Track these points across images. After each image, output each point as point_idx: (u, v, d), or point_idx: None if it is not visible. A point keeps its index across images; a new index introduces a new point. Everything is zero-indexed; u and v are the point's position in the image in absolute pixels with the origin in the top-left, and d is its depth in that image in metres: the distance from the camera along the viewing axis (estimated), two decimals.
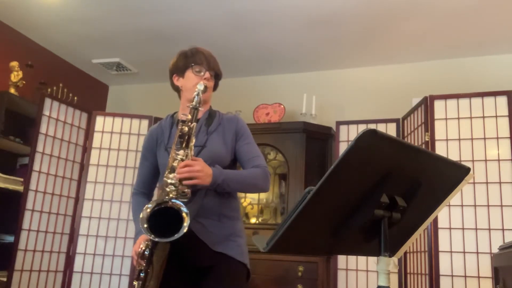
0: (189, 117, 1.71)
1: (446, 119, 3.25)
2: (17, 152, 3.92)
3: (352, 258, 3.50)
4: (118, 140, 3.81)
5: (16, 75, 3.78)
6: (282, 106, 4.16)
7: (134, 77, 4.85)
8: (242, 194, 3.85)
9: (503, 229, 2.96)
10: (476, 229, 3.02)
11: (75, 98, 4.04)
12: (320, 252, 2.12)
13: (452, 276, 3.00)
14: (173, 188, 1.64)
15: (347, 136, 3.75)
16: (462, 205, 3.08)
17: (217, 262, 1.75)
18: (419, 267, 3.23)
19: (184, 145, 1.68)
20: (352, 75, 4.33)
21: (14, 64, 3.79)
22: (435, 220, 3.10)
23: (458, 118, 3.23)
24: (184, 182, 1.63)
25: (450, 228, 3.08)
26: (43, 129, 3.48)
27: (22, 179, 3.51)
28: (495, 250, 2.73)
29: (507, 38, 3.66)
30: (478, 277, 2.94)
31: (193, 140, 1.71)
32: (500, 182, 3.03)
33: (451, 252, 3.04)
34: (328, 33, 3.74)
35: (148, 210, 1.60)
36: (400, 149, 1.08)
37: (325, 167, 3.87)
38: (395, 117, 3.74)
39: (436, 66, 4.07)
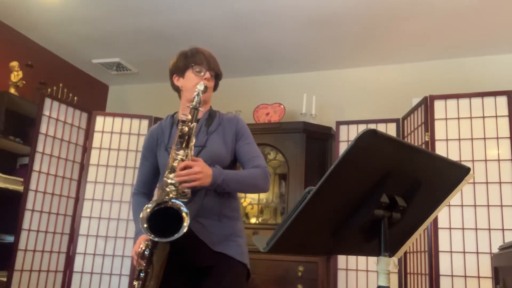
0: (189, 117, 1.71)
1: (446, 119, 3.25)
2: (17, 152, 3.92)
3: (352, 258, 3.50)
4: (118, 140, 3.80)
5: (16, 75, 3.79)
6: (282, 106, 4.16)
7: (134, 77, 4.85)
8: (242, 194, 3.85)
9: (503, 229, 2.96)
10: (476, 229, 3.02)
11: (75, 98, 4.04)
12: (320, 252, 2.12)
13: (452, 276, 3.00)
14: (173, 188, 1.65)
15: (347, 136, 3.75)
16: (462, 205, 3.08)
17: (217, 262, 1.75)
18: (419, 267, 3.23)
19: (184, 145, 1.68)
20: (352, 75, 4.33)
21: (14, 64, 3.79)
22: (435, 220, 3.10)
23: (458, 118, 3.23)
24: (184, 185, 1.63)
25: (450, 228, 3.08)
26: (43, 129, 3.48)
27: (22, 179, 3.51)
28: (495, 250, 2.73)
29: (507, 38, 3.66)
30: (478, 277, 2.94)
31: (193, 140, 1.71)
32: (500, 182, 3.03)
33: (451, 252, 3.04)
34: (328, 33, 3.74)
35: (148, 210, 1.60)
36: (400, 149, 1.08)
37: (325, 167, 3.87)
38: (395, 117, 3.74)
39: (436, 66, 4.07)
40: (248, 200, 3.96)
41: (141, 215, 1.60)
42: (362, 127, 3.69)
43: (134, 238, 1.90)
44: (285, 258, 3.37)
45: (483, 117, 3.17)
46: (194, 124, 1.71)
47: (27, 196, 3.35)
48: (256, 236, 2.57)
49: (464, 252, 3.01)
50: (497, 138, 3.10)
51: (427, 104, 3.33)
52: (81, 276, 3.54)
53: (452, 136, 3.21)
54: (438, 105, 3.30)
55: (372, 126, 3.60)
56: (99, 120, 3.82)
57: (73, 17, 3.72)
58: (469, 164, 1.87)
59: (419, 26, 3.56)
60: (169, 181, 1.65)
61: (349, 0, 3.28)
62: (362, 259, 3.47)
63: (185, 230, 1.56)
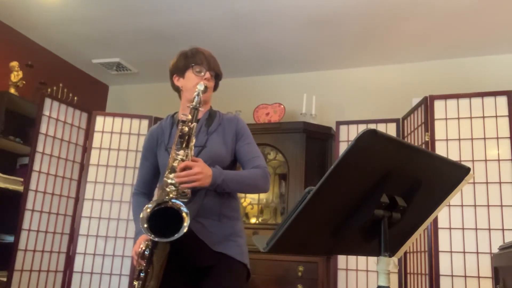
0: (189, 117, 1.71)
1: (446, 119, 3.25)
2: (17, 152, 3.92)
3: (352, 258, 3.50)
4: (118, 140, 3.80)
5: (16, 75, 3.79)
6: (282, 106, 4.16)
7: (134, 77, 4.85)
8: (242, 194, 3.85)
9: (503, 229, 2.96)
10: (476, 229, 3.02)
11: (75, 98, 4.04)
12: (320, 252, 2.12)
13: (452, 276, 3.00)
14: (173, 188, 1.65)
15: (347, 136, 3.75)
16: (462, 205, 3.08)
17: (217, 262, 1.75)
18: (419, 267, 3.23)
19: (184, 145, 1.68)
20: (352, 75, 4.33)
21: (14, 64, 3.80)
22: (435, 220, 3.10)
23: (458, 118, 3.23)
24: (183, 185, 1.64)
25: (450, 228, 3.08)
26: (43, 129, 3.48)
27: (22, 179, 3.51)
28: (495, 250, 2.73)
29: (507, 38, 3.66)
30: (478, 277, 2.94)
31: (193, 140, 1.71)
32: (500, 182, 3.03)
33: (451, 252, 3.04)
34: (328, 33, 3.74)
35: (148, 210, 1.60)
36: (400, 149, 1.08)
37: (325, 167, 3.87)
38: (395, 117, 3.74)
39: (436, 66, 4.07)
40: (248, 200, 3.96)
41: (141, 215, 1.60)
42: (362, 127, 3.69)
43: (134, 238, 1.90)
44: (285, 258, 3.37)
45: (483, 117, 3.17)
46: (194, 124, 1.71)
47: (27, 196, 3.35)
48: (256, 236, 2.57)
49: (464, 252, 3.01)
50: (497, 138, 3.10)
51: (427, 104, 3.33)
52: (81, 276, 3.54)
53: (452, 136, 3.21)
54: (438, 105, 3.30)
55: (372, 126, 3.60)
56: (99, 120, 3.82)
57: (73, 17, 3.72)
58: (469, 164, 1.87)
59: (419, 26, 3.56)
60: (169, 181, 1.66)
61: (349, 0, 3.28)
62: (362, 259, 3.47)
63: (185, 230, 1.56)
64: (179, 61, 1.93)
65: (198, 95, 1.74)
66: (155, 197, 2.03)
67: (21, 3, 3.58)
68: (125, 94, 5.09)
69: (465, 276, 2.97)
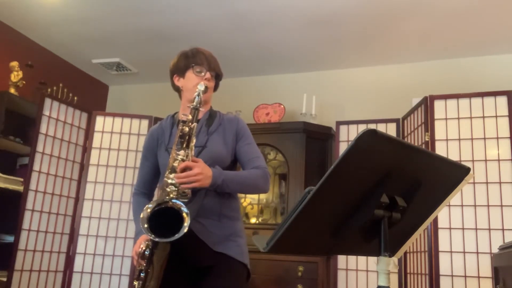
0: (190, 117, 1.71)
1: (446, 119, 3.25)
2: (17, 152, 3.92)
3: (352, 258, 3.50)
4: (118, 140, 3.80)
5: (16, 75, 3.79)
6: (282, 106, 4.16)
7: (134, 77, 4.85)
8: (242, 194, 3.85)
9: (503, 229, 2.96)
10: (476, 229, 3.02)
11: (75, 98, 4.04)
12: (320, 252, 2.11)
13: (452, 276, 3.00)
14: (174, 188, 1.65)
15: (347, 136, 3.75)
16: (462, 205, 3.08)
17: (217, 262, 1.75)
18: (419, 267, 3.23)
19: (184, 145, 1.69)
20: (352, 75, 4.34)
21: (14, 64, 3.80)
22: (435, 220, 3.10)
23: (458, 118, 3.23)
24: (184, 186, 1.64)
25: (450, 228, 3.08)
26: (43, 129, 3.48)
27: (22, 179, 3.51)
28: (495, 250, 2.73)
29: (507, 38, 3.66)
30: (478, 277, 2.94)
31: (194, 141, 1.71)
32: (500, 182, 3.03)
33: (451, 252, 3.04)
34: (328, 33, 3.74)
35: (149, 210, 1.60)
36: (400, 149, 1.08)
37: (325, 167, 3.87)
38: (395, 117, 3.74)
39: (436, 66, 4.07)
40: (248, 200, 3.96)
41: (141, 216, 1.60)
42: (362, 127, 3.69)
43: (134, 238, 1.90)
44: (285, 258, 3.37)
45: (483, 117, 3.17)
46: (195, 124, 1.71)
47: (27, 196, 3.35)
48: (256, 236, 2.57)
49: (464, 252, 3.01)
50: (497, 138, 3.10)
51: (427, 104, 3.33)
52: (81, 276, 3.54)
53: (452, 136, 3.22)
54: (438, 105, 3.30)
55: (372, 126, 3.60)
56: (99, 120, 3.82)
57: (73, 17, 3.72)
58: (469, 164, 1.87)
59: (419, 26, 3.56)
60: (169, 181, 1.66)
61: (349, 0, 3.28)
62: (362, 259, 3.47)
63: (185, 230, 1.56)
64: (180, 61, 1.93)
65: (198, 95, 1.74)
66: (155, 197, 2.03)
67: (21, 3, 3.58)
68: (125, 94, 5.09)
69: (465, 276, 2.97)
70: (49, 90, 3.94)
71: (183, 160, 1.66)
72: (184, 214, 1.58)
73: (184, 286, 1.77)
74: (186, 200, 1.64)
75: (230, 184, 1.75)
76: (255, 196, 3.95)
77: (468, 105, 3.23)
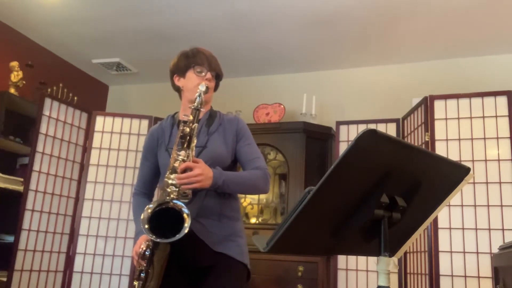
0: (191, 118, 1.71)
1: (446, 119, 3.25)
2: (17, 152, 3.92)
3: (352, 258, 3.50)
4: (118, 140, 3.80)
5: (16, 75, 3.79)
6: (282, 106, 4.16)
7: (134, 77, 4.85)
8: (242, 194, 3.85)
9: (503, 229, 2.96)
10: (476, 229, 3.02)
11: (75, 98, 4.04)
12: (320, 252, 2.12)
13: (452, 276, 3.00)
14: (174, 189, 1.65)
15: (347, 136, 3.75)
16: (462, 205, 3.08)
17: (217, 262, 1.75)
18: (419, 267, 3.23)
19: (185, 145, 1.68)
20: (352, 75, 4.33)
21: (14, 64, 3.80)
22: (435, 220, 3.10)
23: (458, 118, 3.23)
24: (184, 187, 1.64)
25: (450, 228, 3.08)
26: (43, 129, 3.48)
27: (22, 179, 3.51)
28: (495, 250, 2.73)
29: (507, 38, 3.66)
30: (478, 277, 2.94)
31: (195, 141, 1.71)
32: (500, 182, 3.03)
33: (451, 252, 3.04)
34: (328, 33, 3.74)
35: (149, 210, 1.60)
36: (400, 149, 1.08)
37: (325, 167, 3.87)
38: (395, 117, 3.74)
39: (436, 66, 4.07)
40: (248, 200, 3.96)
41: (142, 216, 1.60)
42: (362, 127, 3.69)
43: (134, 238, 1.90)
44: (285, 258, 3.37)
45: (483, 117, 3.17)
46: (196, 125, 1.71)
47: (27, 196, 3.35)
48: (256, 236, 2.57)
49: (464, 252, 3.01)
50: (497, 138, 3.10)
51: (427, 104, 3.33)
52: (81, 276, 3.54)
53: (452, 136, 3.22)
54: (438, 105, 3.30)
55: (372, 126, 3.60)
56: (99, 120, 3.82)
57: (73, 17, 3.72)
58: (469, 164, 1.87)
59: (419, 26, 3.56)
60: (170, 181, 1.66)
61: (349, 0, 3.28)
62: (362, 259, 3.47)
63: (186, 231, 1.56)
64: (180, 61, 1.92)
65: (199, 96, 1.73)
66: (155, 197, 2.03)
67: (21, 3, 3.58)
68: (125, 94, 5.09)
69: (465, 276, 2.97)
70: (49, 90, 3.94)
71: (183, 161, 1.66)
72: (185, 215, 1.58)
73: (184, 286, 1.77)
74: (186, 201, 1.64)
75: (231, 185, 1.75)
76: (255, 196, 3.95)
77: (468, 105, 3.23)
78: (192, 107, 1.72)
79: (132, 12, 3.59)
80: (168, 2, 3.42)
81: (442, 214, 3.09)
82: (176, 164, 1.67)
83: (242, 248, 1.82)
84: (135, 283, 1.67)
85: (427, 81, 4.01)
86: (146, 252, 1.65)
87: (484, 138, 3.13)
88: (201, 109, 1.75)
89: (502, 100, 3.15)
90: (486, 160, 3.09)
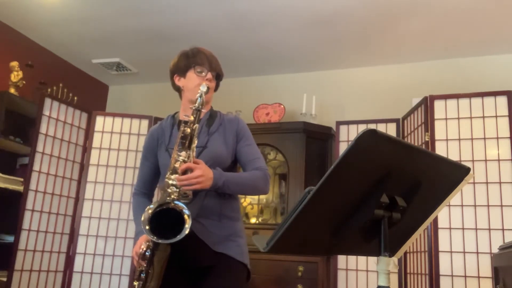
0: (192, 118, 1.70)
1: (446, 119, 3.25)
2: (17, 152, 3.92)
3: (352, 258, 3.50)
4: (118, 140, 3.80)
5: (16, 75, 3.79)
6: (282, 106, 4.16)
7: (134, 77, 4.85)
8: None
9: (503, 229, 2.96)
10: (476, 229, 3.02)
11: (75, 98, 4.04)
12: (320, 252, 2.12)
13: (452, 276, 3.00)
14: (175, 189, 1.65)
15: (347, 136, 3.75)
16: (462, 205, 3.08)
17: (217, 262, 1.75)
18: (419, 267, 3.23)
19: (186, 146, 1.68)
20: (352, 75, 4.34)
21: (14, 64, 3.80)
22: (435, 220, 3.10)
23: (458, 118, 3.23)
24: (185, 188, 1.64)
25: (450, 228, 3.08)
26: (43, 129, 3.48)
27: (22, 179, 3.51)
28: (495, 250, 2.73)
29: (507, 38, 3.66)
30: (478, 277, 2.94)
31: (195, 142, 1.71)
32: (500, 182, 3.03)
33: (451, 252, 3.04)
34: (328, 33, 3.74)
35: (150, 211, 1.60)
36: (400, 149, 1.08)
37: (325, 167, 3.87)
38: (395, 117, 3.74)
39: (436, 66, 4.07)
40: (248, 200, 3.96)
41: (142, 217, 1.60)
42: (362, 127, 3.69)
43: (134, 238, 1.89)
44: (285, 258, 3.37)
45: (483, 117, 3.17)
46: (196, 125, 1.70)
47: (27, 196, 3.35)
48: (256, 236, 2.57)
49: (464, 252, 3.01)
50: (497, 138, 3.10)
51: (427, 104, 3.33)
52: (81, 276, 3.54)
53: (452, 136, 3.22)
54: (438, 105, 3.30)
55: (372, 126, 3.60)
56: (99, 120, 3.82)
57: (73, 17, 3.72)
58: (469, 164, 1.87)
59: (418, 26, 3.56)
60: (170, 182, 1.65)
61: (349, 0, 3.28)
62: (362, 259, 3.47)
63: (187, 232, 1.56)
64: (180, 61, 1.92)
65: (200, 96, 1.73)
66: (155, 197, 2.03)
67: (21, 3, 3.58)
68: (125, 94, 5.09)
69: (465, 276, 2.97)
70: (49, 90, 3.94)
71: (184, 161, 1.66)
72: (186, 216, 1.58)
73: (184, 286, 1.77)
74: (187, 201, 1.64)
75: (231, 186, 1.75)
76: (255, 196, 3.95)
77: (468, 105, 3.23)
78: (193, 108, 1.72)
79: (132, 12, 3.59)
80: (168, 2, 3.42)
81: (442, 214, 3.09)
82: (177, 165, 1.66)
83: (242, 248, 1.82)
84: (135, 283, 1.67)
85: (427, 81, 4.01)
86: (147, 253, 1.65)
87: (484, 138, 3.13)
88: (202, 110, 1.74)
89: (502, 100, 3.15)
90: (486, 160, 3.09)
